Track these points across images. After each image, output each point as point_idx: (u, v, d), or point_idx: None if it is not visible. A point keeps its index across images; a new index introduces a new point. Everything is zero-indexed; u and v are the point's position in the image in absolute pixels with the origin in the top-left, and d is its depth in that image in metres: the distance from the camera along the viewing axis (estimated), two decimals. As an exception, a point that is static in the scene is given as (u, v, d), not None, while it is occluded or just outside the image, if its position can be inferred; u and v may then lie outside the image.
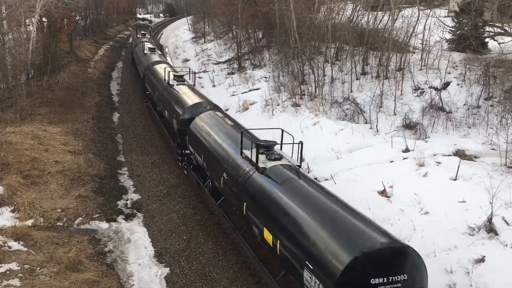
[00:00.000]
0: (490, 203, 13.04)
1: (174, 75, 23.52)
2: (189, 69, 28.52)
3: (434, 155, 17.64)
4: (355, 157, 18.79)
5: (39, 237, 14.62)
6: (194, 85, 24.04)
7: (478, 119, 20.07)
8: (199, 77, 39.14)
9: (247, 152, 12.95)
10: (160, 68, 26.36)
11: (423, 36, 25.55)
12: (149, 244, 15.17)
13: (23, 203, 16.30)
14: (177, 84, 22.30)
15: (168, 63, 30.30)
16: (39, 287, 12.07)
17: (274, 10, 33.87)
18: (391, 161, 17.92)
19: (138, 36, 46.03)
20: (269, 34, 38.30)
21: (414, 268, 8.49)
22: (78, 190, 18.10)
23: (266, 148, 12.68)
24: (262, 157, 12.36)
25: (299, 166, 12.40)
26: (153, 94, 25.80)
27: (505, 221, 13.12)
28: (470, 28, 24.09)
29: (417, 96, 22.70)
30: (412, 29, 26.54)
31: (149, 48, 34.56)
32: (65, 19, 40.73)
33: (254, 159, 12.31)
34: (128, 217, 16.93)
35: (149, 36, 47.76)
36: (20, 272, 12.68)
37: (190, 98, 19.87)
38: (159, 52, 35.97)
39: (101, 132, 26.08)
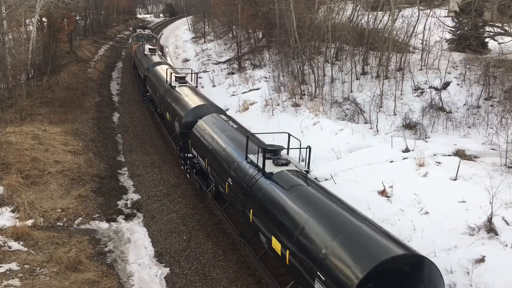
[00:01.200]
0: (490, 203, 13.03)
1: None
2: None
3: (434, 155, 17.64)
4: (355, 157, 18.78)
5: (39, 237, 14.62)
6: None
7: (478, 119, 20.06)
8: (199, 77, 39.16)
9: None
10: (212, 124, 16.70)
11: (423, 36, 25.55)
12: (149, 244, 15.17)
13: (23, 203, 16.31)
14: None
15: (211, 102, 20.41)
16: (39, 287, 12.07)
17: (274, 10, 33.88)
18: (391, 161, 17.92)
19: (146, 53, 33.06)
20: (269, 34, 38.30)
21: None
22: (78, 190, 18.10)
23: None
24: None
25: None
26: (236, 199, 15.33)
27: (505, 221, 13.12)
28: (470, 28, 24.08)
29: (417, 96, 22.70)
30: (412, 29, 26.54)
31: (177, 77, 23.49)
32: (65, 19, 40.70)
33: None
34: (128, 217, 16.93)
35: (160, 53, 35.10)
36: (20, 272, 12.69)
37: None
38: (192, 84, 24.64)
39: (101, 132, 26.08)
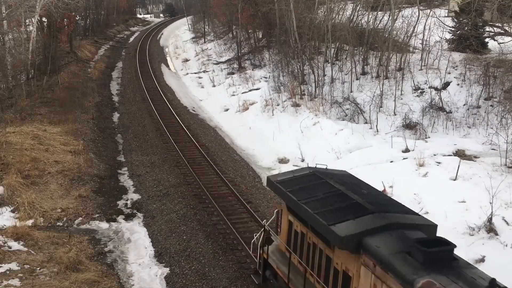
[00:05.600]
0: (490, 203, 13.04)
1: None
2: None
3: (434, 155, 17.64)
4: (355, 157, 18.79)
5: (39, 237, 14.61)
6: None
7: (478, 119, 20.07)
8: (199, 77, 39.17)
9: None
10: None
11: (423, 36, 25.55)
12: (149, 244, 15.16)
13: (23, 203, 16.30)
14: None
15: None
16: (39, 287, 12.07)
17: (274, 10, 33.89)
18: (391, 161, 17.93)
19: None
20: (269, 34, 38.31)
21: None
22: (78, 190, 18.09)
23: None
24: None
25: None
26: None
27: (505, 221, 13.13)
28: (470, 28, 24.08)
29: (417, 96, 22.70)
30: (412, 29, 26.56)
31: None
32: (65, 19, 40.69)
33: None
34: (128, 217, 16.92)
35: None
36: (20, 272, 12.68)
37: None
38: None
39: (101, 132, 26.07)
